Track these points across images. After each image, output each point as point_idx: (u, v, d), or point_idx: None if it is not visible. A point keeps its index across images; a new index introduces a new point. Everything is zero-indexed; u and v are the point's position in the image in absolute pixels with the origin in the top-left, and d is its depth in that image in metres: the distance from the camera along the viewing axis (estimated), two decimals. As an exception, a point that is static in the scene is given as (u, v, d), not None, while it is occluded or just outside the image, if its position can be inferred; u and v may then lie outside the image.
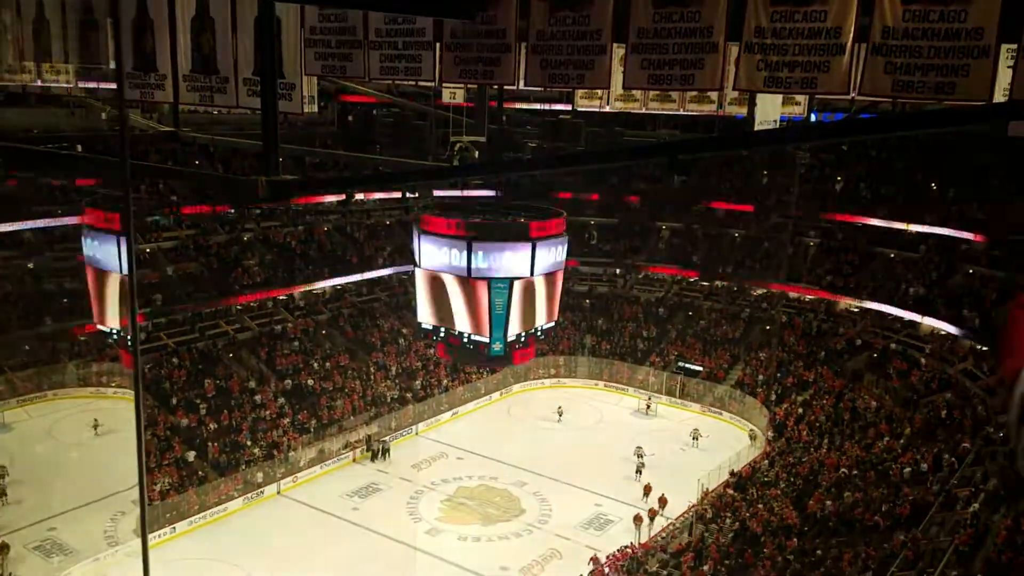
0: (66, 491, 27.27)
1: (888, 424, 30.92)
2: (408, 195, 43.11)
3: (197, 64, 9.41)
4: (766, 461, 31.03)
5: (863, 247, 41.76)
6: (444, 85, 13.32)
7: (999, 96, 6.20)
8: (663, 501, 28.57)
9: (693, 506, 28.46)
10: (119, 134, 4.98)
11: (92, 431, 31.23)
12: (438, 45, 8.33)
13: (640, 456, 31.80)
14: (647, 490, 29.62)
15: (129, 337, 24.41)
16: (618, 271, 46.72)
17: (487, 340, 21.80)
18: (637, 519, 27.45)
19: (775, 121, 12.34)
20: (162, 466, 28.85)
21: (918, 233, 39.73)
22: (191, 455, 29.62)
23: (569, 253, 23.12)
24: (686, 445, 34.85)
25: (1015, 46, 5.96)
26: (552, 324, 23.64)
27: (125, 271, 23.06)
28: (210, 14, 8.94)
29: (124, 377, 32.93)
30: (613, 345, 42.97)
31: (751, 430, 35.75)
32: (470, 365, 36.56)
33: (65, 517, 26.55)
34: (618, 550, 25.59)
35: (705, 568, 23.09)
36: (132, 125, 13.14)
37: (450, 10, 7.74)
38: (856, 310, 39.98)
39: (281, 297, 39.03)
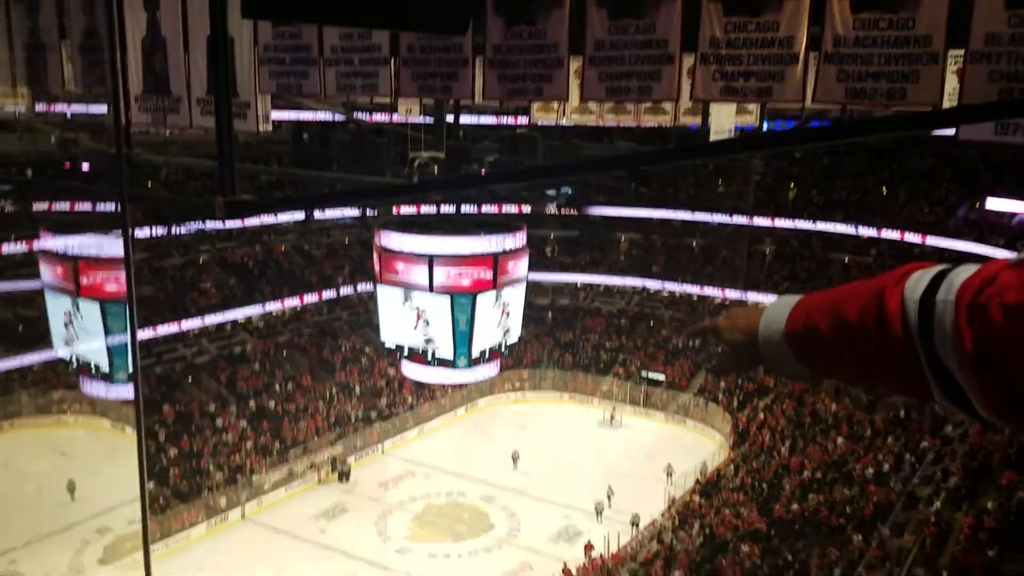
0: (28, 522, 26.47)
1: (849, 426, 31.38)
2: (368, 212, 42.99)
3: (149, 84, 9.26)
4: (731, 467, 31.27)
5: (818, 253, 42.49)
6: (401, 100, 13.28)
7: (947, 101, 6.35)
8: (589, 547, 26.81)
9: (661, 514, 28.56)
10: (116, 155, 4.84)
11: (56, 459, 30.38)
12: (394, 60, 8.30)
13: (609, 496, 30.10)
14: (588, 548, 26.73)
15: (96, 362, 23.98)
16: (579, 283, 46.88)
17: (451, 356, 21.75)
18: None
19: (729, 131, 12.49)
20: (121, 495, 28.17)
21: (870, 238, 40.54)
22: (150, 484, 28.95)
23: (530, 266, 23.22)
24: (648, 456, 35.00)
25: (960, 52, 6.11)
26: (515, 338, 23.70)
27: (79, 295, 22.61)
28: (161, 34, 8.81)
29: (83, 404, 32.12)
30: (577, 357, 43.05)
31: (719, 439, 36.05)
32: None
33: (27, 550, 25.77)
34: (588, 560, 25.55)
35: (676, 575, 23.15)
36: (81, 147, 12.88)
37: (446, 27, 7.72)
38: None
39: (240, 319, 38.44)
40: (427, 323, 21.55)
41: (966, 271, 1.13)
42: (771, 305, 1.45)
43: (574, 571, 24.96)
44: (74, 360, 24.29)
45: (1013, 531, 18.49)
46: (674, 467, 30.97)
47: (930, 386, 1.17)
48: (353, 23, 8.22)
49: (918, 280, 1.18)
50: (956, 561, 18.05)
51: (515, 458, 32.80)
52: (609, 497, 30.01)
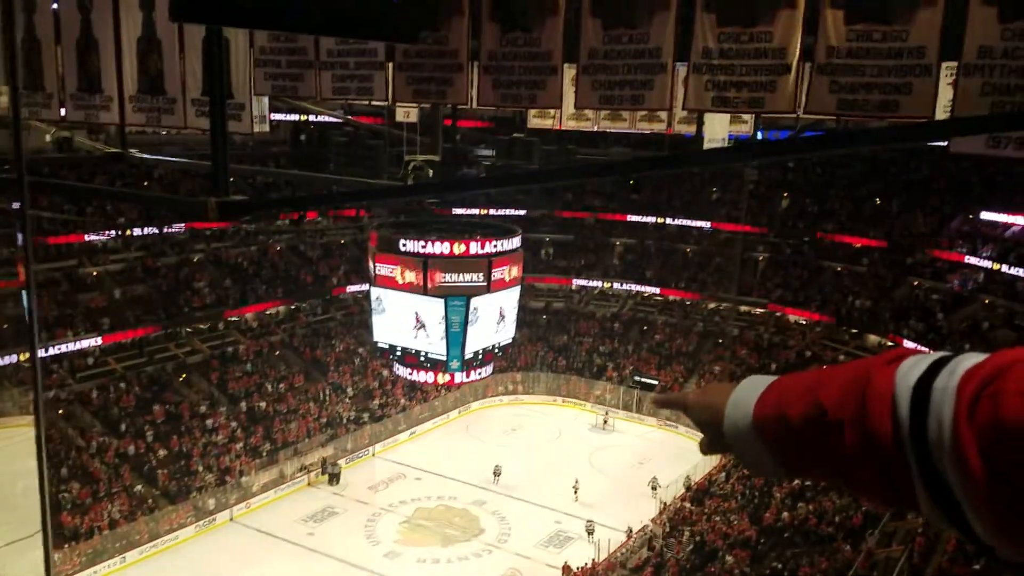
0: (10, 521, 26.31)
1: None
2: (363, 214, 42.98)
3: (144, 85, 9.26)
4: (722, 474, 31.31)
5: (811, 261, 42.65)
6: (397, 105, 13.29)
7: (940, 113, 6.38)
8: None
9: (652, 520, 28.59)
10: (14, 150, 4.81)
11: (35, 461, 30.22)
12: (390, 65, 8.31)
13: (575, 489, 31.02)
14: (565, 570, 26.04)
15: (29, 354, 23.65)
16: (573, 287, 46.96)
17: (444, 358, 21.76)
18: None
19: (723, 139, 12.55)
20: (111, 494, 28.07)
21: (863, 247, 40.71)
22: (138, 487, 28.85)
23: (525, 269, 23.24)
24: (640, 462, 35.03)
25: (955, 64, 6.14)
26: (509, 340, 23.72)
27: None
28: (157, 35, 8.81)
29: (69, 405, 31.95)
30: (570, 361, 43.09)
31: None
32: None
33: (9, 549, 25.60)
34: (579, 568, 25.54)
35: (664, 583, 23.18)
36: (78, 147, 12.85)
37: (391, 34, 7.73)
38: (804, 322, 40.70)
39: (233, 318, 38.37)
40: (421, 325, 21.56)
41: (972, 358, 0.95)
42: (742, 384, 1.24)
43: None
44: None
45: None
46: (659, 480, 30.68)
47: (916, 495, 0.96)
48: (285, 28, 8.21)
49: (913, 365, 1.00)
50: (942, 572, 18.10)
51: (496, 473, 32.32)
52: (575, 490, 30.86)
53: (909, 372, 0.99)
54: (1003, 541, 0.90)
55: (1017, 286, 33.98)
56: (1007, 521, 0.88)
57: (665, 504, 29.65)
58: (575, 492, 30.79)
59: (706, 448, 1.36)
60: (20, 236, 27.36)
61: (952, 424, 0.90)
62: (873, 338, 37.35)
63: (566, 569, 24.93)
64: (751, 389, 1.21)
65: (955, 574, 17.84)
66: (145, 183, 37.84)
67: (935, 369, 0.97)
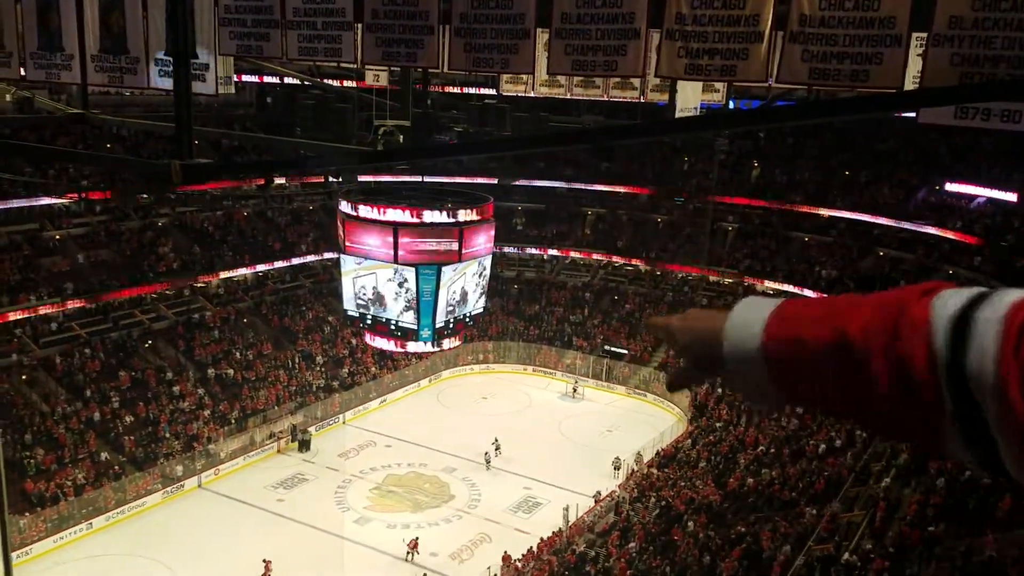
0: None
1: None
2: (331, 179, 42.48)
3: (106, 43, 9.00)
4: (688, 440, 31.77)
5: (779, 231, 43.03)
6: (367, 67, 13.08)
7: (909, 84, 6.41)
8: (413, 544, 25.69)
9: (620, 486, 28.99)
10: None
11: None
12: (359, 26, 8.15)
13: (496, 447, 31.63)
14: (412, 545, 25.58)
15: None
16: (545, 256, 46.99)
17: (415, 326, 21.68)
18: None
19: (695, 108, 12.52)
20: (77, 461, 27.82)
21: (831, 217, 41.12)
22: (104, 454, 28.62)
23: (497, 238, 23.15)
24: (609, 429, 35.41)
25: (925, 35, 6.16)
26: (481, 310, 23.70)
27: None
28: (118, -10, 8.56)
29: (33, 371, 31.49)
30: (542, 330, 43.26)
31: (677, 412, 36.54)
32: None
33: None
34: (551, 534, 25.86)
35: (631, 546, 23.54)
36: (39, 107, 12.51)
37: None
38: (772, 292, 41.15)
39: (199, 285, 37.91)
40: (391, 293, 21.44)
41: (1016, 292, 0.91)
42: (739, 307, 1.16)
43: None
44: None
45: (959, 508, 19.05)
46: (621, 458, 30.66)
47: (943, 429, 0.93)
48: None
49: (952, 296, 0.97)
50: (903, 536, 18.58)
51: (496, 446, 31.94)
52: (496, 448, 31.61)
53: (948, 303, 0.95)
54: None
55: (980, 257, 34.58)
56: None
57: (632, 470, 30.05)
58: (496, 451, 31.56)
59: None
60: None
61: (996, 355, 0.86)
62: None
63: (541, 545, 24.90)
64: (753, 311, 1.14)
65: (914, 537, 18.33)
66: (108, 145, 37.05)
67: (976, 301, 0.93)
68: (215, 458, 30.42)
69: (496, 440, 31.99)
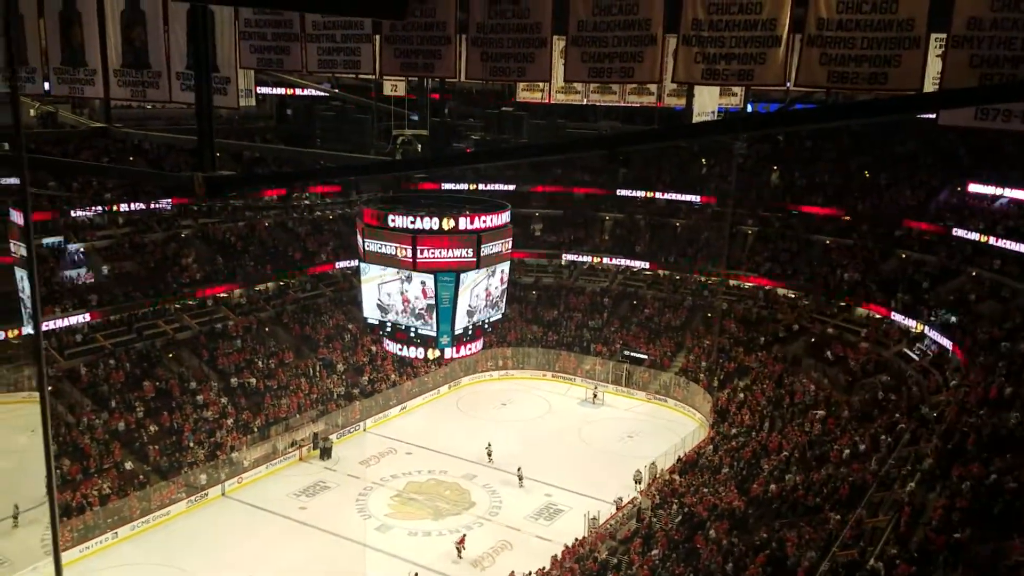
0: (5, 499, 26.34)
1: (827, 407, 31.71)
2: (352, 189, 42.76)
3: (128, 58, 9.13)
4: (710, 446, 31.56)
5: (800, 234, 42.74)
6: (384, 78, 13.18)
7: (929, 85, 6.37)
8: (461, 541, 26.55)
9: (642, 493, 28.85)
10: (14, 129, 4.79)
11: (26, 437, 30.19)
12: (377, 38, 8.22)
13: (488, 452, 32.38)
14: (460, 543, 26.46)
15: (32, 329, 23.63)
16: (563, 262, 46.98)
17: (434, 333, 21.77)
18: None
19: (713, 112, 12.51)
20: (102, 471, 28.10)
21: (851, 220, 40.80)
22: (129, 463, 28.88)
23: (514, 245, 23.19)
24: (630, 435, 35.27)
25: (944, 36, 6.12)
26: (499, 316, 23.75)
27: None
28: (140, 7, 8.68)
29: (59, 382, 31.87)
30: (560, 336, 43.21)
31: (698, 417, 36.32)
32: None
33: (2, 525, 25.70)
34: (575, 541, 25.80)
35: (654, 553, 23.41)
36: (62, 121, 12.72)
37: (376, 9, 7.65)
38: (793, 296, 40.86)
39: (222, 295, 38.24)
40: (410, 301, 21.54)
41: None
42: None
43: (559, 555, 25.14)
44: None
45: (984, 512, 18.79)
46: (641, 473, 30.39)
47: None
48: (285, 5, 8.09)
49: None
50: (928, 541, 18.34)
51: (488, 452, 32.68)
52: (489, 454, 32.20)
53: None
54: None
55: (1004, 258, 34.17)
56: None
57: (654, 476, 29.90)
58: (489, 458, 32.09)
59: None
60: (13, 213, 27.09)
61: None
62: (861, 311, 37.57)
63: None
64: None
65: (940, 543, 18.10)
66: (131, 158, 37.49)
67: None
68: (238, 466, 30.61)
69: (489, 445, 32.38)
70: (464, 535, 26.65)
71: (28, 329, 24.83)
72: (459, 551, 26.01)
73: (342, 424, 34.86)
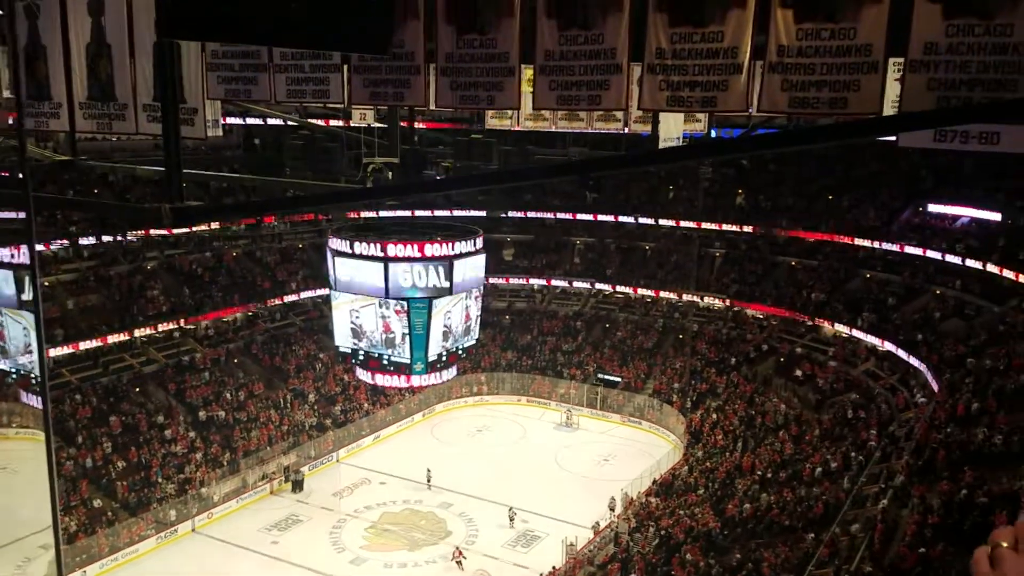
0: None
1: (798, 425, 31.96)
2: (321, 217, 42.59)
3: (94, 91, 9.07)
4: (685, 467, 31.63)
5: (766, 256, 43.29)
6: (354, 107, 13.21)
7: (888, 109, 6.52)
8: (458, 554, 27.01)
9: (619, 517, 28.77)
10: (19, 162, 4.78)
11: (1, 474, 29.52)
12: (346, 68, 8.26)
13: (428, 477, 32.38)
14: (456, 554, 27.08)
15: (35, 374, 23.17)
16: (535, 286, 47.09)
17: (408, 360, 21.64)
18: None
19: (678, 138, 12.68)
20: (69, 508, 27.46)
21: (817, 241, 41.43)
22: (96, 500, 28.27)
23: (487, 270, 23.20)
24: (605, 459, 35.25)
25: (902, 60, 6.28)
26: (473, 341, 23.69)
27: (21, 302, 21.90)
28: (106, 40, 8.64)
29: (26, 417, 31.23)
30: (535, 360, 43.20)
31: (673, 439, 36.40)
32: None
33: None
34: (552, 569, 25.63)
35: (631, 578, 23.34)
36: (27, 155, 12.56)
37: (361, 46, 7.70)
38: (761, 316, 41.28)
39: (189, 326, 37.77)
40: (382, 328, 21.42)
41: None
42: None
43: None
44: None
45: (956, 527, 19.00)
46: (615, 500, 29.96)
47: None
48: (267, 42, 8.13)
49: None
50: (901, 558, 18.49)
51: (428, 477, 32.44)
52: (429, 480, 32.21)
53: None
54: None
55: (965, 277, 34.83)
56: None
57: (631, 500, 29.86)
58: (428, 483, 32.21)
59: None
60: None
61: None
62: (828, 329, 38.03)
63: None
64: None
65: (914, 558, 18.25)
66: (95, 191, 37.09)
67: None
68: (208, 501, 30.08)
69: (428, 471, 32.33)
70: (457, 547, 26.97)
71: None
72: (459, 564, 26.39)
73: (315, 455, 34.44)
